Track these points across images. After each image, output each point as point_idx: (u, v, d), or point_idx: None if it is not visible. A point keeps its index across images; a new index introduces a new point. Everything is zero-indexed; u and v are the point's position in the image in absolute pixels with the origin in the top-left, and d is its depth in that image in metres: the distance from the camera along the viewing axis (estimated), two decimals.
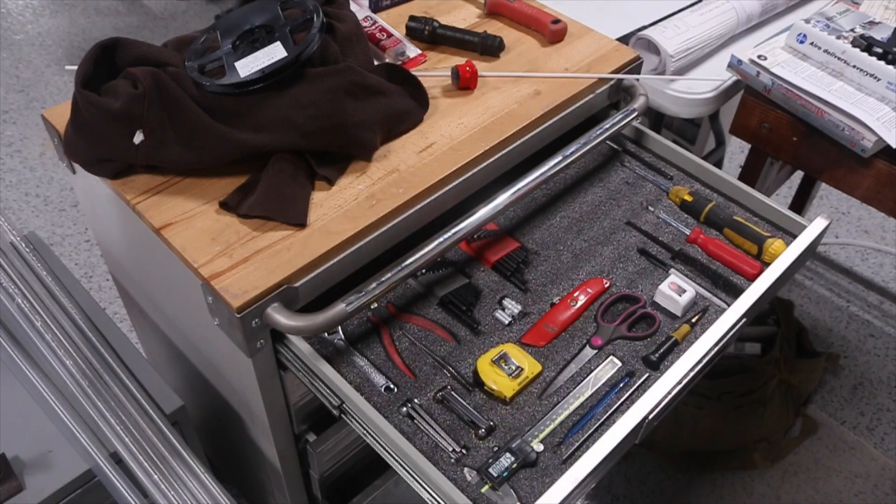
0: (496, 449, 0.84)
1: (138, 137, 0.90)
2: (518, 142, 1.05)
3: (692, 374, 0.88)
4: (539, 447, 0.84)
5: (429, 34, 1.18)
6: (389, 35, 1.17)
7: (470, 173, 1.01)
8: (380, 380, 0.89)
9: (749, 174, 1.34)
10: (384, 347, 0.93)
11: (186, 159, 0.93)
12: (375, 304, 0.97)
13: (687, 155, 1.16)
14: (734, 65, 1.21)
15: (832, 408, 1.78)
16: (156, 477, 0.92)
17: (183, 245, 0.88)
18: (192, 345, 1.14)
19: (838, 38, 1.17)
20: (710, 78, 1.29)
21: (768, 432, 1.65)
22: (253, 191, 0.92)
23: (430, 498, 0.79)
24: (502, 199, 0.99)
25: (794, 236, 1.04)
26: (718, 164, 1.80)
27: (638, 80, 1.17)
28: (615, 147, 1.22)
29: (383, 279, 0.88)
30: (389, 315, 0.97)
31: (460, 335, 0.95)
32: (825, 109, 1.12)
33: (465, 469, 0.81)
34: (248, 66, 0.94)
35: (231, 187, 0.94)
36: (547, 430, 0.86)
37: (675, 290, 0.98)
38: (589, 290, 1.00)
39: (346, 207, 0.93)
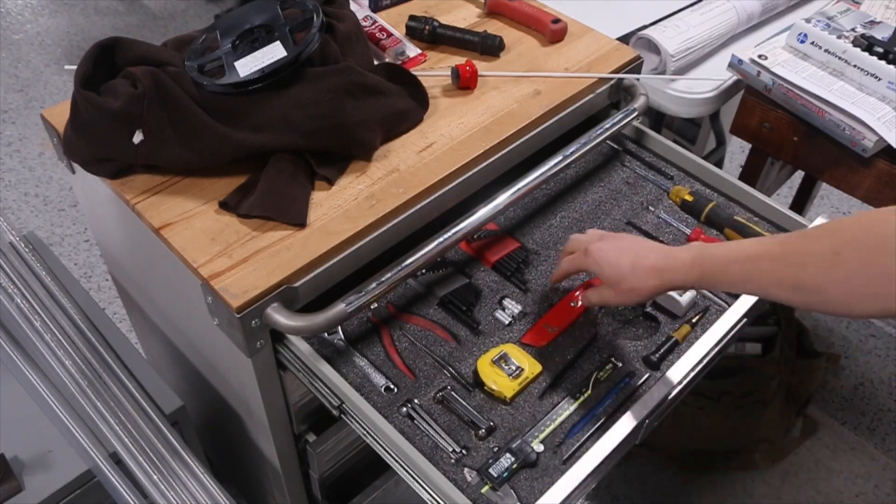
0: (496, 449, 0.83)
1: (138, 137, 0.90)
2: (518, 142, 1.05)
3: (693, 374, 0.88)
4: (539, 447, 0.84)
5: (429, 34, 1.18)
6: (389, 35, 1.16)
7: (470, 173, 1.00)
8: (380, 380, 0.89)
9: (750, 174, 1.34)
10: (384, 347, 0.93)
11: (186, 159, 0.93)
12: (375, 304, 0.97)
13: (687, 155, 1.16)
14: (735, 64, 1.21)
15: (833, 408, 1.78)
16: (155, 477, 0.91)
17: (182, 245, 0.88)
18: (191, 345, 1.13)
19: (839, 37, 1.16)
20: (711, 77, 1.29)
21: (769, 433, 1.64)
22: (253, 191, 0.92)
23: (430, 498, 0.79)
24: (502, 198, 0.99)
25: None
26: (719, 164, 1.80)
27: (638, 79, 1.17)
28: (615, 147, 1.21)
29: (383, 279, 0.88)
30: (389, 315, 0.97)
31: (460, 335, 0.95)
32: (826, 109, 1.12)
33: (466, 469, 0.81)
34: (248, 65, 0.93)
35: (231, 187, 0.94)
36: (547, 431, 0.85)
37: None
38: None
39: (345, 207, 0.93)
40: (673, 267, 0.81)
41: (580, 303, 0.92)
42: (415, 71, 1.10)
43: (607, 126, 1.10)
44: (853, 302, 0.66)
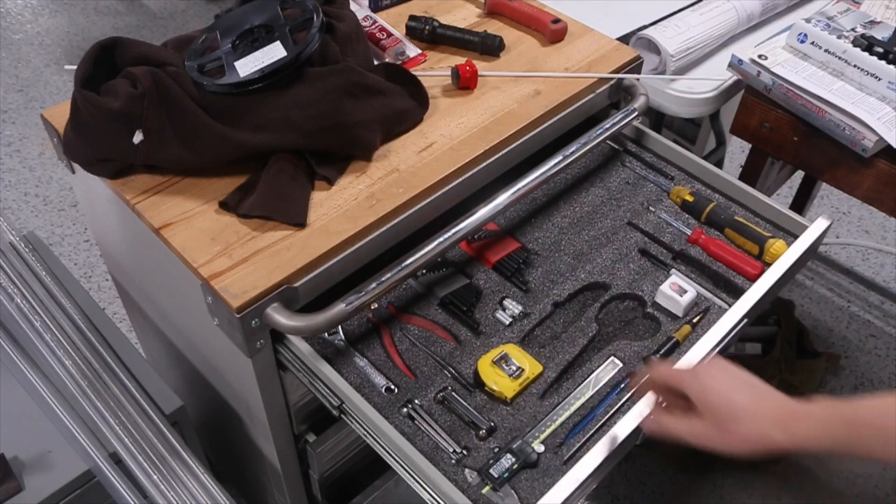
0: (497, 450, 0.83)
1: (138, 137, 0.90)
2: (518, 142, 1.05)
3: None
4: (540, 448, 0.84)
5: (429, 34, 1.18)
6: (389, 35, 1.16)
7: (470, 173, 1.00)
8: (380, 380, 0.89)
9: (750, 174, 1.34)
10: (384, 348, 0.93)
11: (186, 159, 0.92)
12: (375, 305, 0.97)
13: (688, 155, 1.16)
14: (735, 64, 1.21)
15: None
16: (155, 477, 0.91)
17: (182, 245, 0.88)
18: (191, 345, 1.13)
19: (839, 37, 1.16)
20: (711, 77, 1.28)
21: None
22: (253, 191, 0.92)
23: (431, 499, 0.79)
24: (502, 199, 0.99)
25: (796, 236, 1.04)
26: (719, 164, 1.80)
27: (638, 79, 1.17)
28: (616, 147, 1.21)
29: (383, 279, 0.88)
30: (390, 315, 0.97)
31: (461, 336, 0.95)
32: (826, 109, 1.12)
33: (466, 470, 0.81)
34: (248, 65, 0.93)
35: (231, 187, 0.94)
36: (548, 431, 0.85)
37: (677, 290, 0.97)
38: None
39: (345, 207, 0.93)
40: (804, 418, 0.66)
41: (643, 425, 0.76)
42: (415, 71, 1.09)
43: (607, 126, 1.10)
44: None
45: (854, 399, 0.65)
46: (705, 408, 0.70)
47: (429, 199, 0.97)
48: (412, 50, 1.15)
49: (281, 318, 0.84)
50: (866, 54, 1.13)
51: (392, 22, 1.20)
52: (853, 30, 1.19)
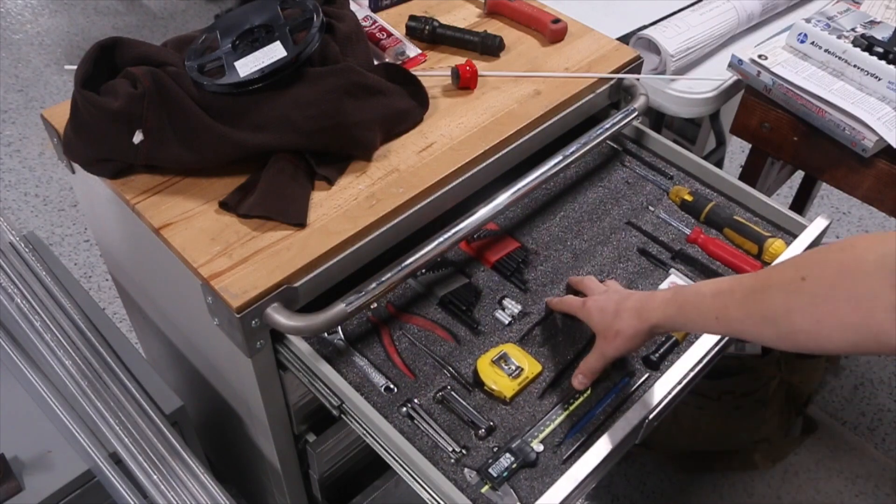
0: (496, 449, 0.83)
1: (138, 137, 0.90)
2: (518, 142, 1.05)
3: (692, 374, 0.88)
4: (539, 447, 0.84)
5: (429, 34, 1.18)
6: (389, 35, 1.16)
7: (470, 173, 1.00)
8: (380, 380, 0.89)
9: (749, 174, 1.34)
10: (384, 347, 0.93)
11: (186, 159, 0.93)
12: (375, 304, 0.97)
13: (687, 155, 1.16)
14: (735, 64, 1.21)
15: (833, 408, 1.78)
16: (155, 477, 0.91)
17: (182, 245, 0.88)
18: (191, 345, 1.13)
19: (839, 37, 1.16)
20: (711, 77, 1.29)
21: (769, 432, 1.64)
22: (253, 191, 0.92)
23: (430, 498, 0.79)
24: (502, 198, 0.99)
25: (795, 236, 1.04)
26: (719, 164, 1.80)
27: (638, 79, 1.17)
28: (615, 147, 1.21)
29: (383, 279, 0.88)
30: (389, 315, 0.97)
31: (460, 335, 0.95)
32: (826, 109, 1.12)
33: (465, 469, 0.81)
34: (248, 65, 0.93)
35: (231, 187, 0.94)
36: (547, 431, 0.85)
37: None
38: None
39: (345, 207, 0.93)
40: (651, 306, 0.80)
41: (581, 379, 0.88)
42: (415, 71, 1.10)
43: (607, 126, 1.10)
44: (821, 332, 0.62)
45: (688, 286, 0.80)
46: (593, 327, 0.87)
47: (429, 199, 0.97)
48: (412, 50, 1.15)
49: (281, 318, 0.84)
50: (866, 54, 1.13)
51: (392, 22, 1.20)
52: (853, 30, 1.19)
